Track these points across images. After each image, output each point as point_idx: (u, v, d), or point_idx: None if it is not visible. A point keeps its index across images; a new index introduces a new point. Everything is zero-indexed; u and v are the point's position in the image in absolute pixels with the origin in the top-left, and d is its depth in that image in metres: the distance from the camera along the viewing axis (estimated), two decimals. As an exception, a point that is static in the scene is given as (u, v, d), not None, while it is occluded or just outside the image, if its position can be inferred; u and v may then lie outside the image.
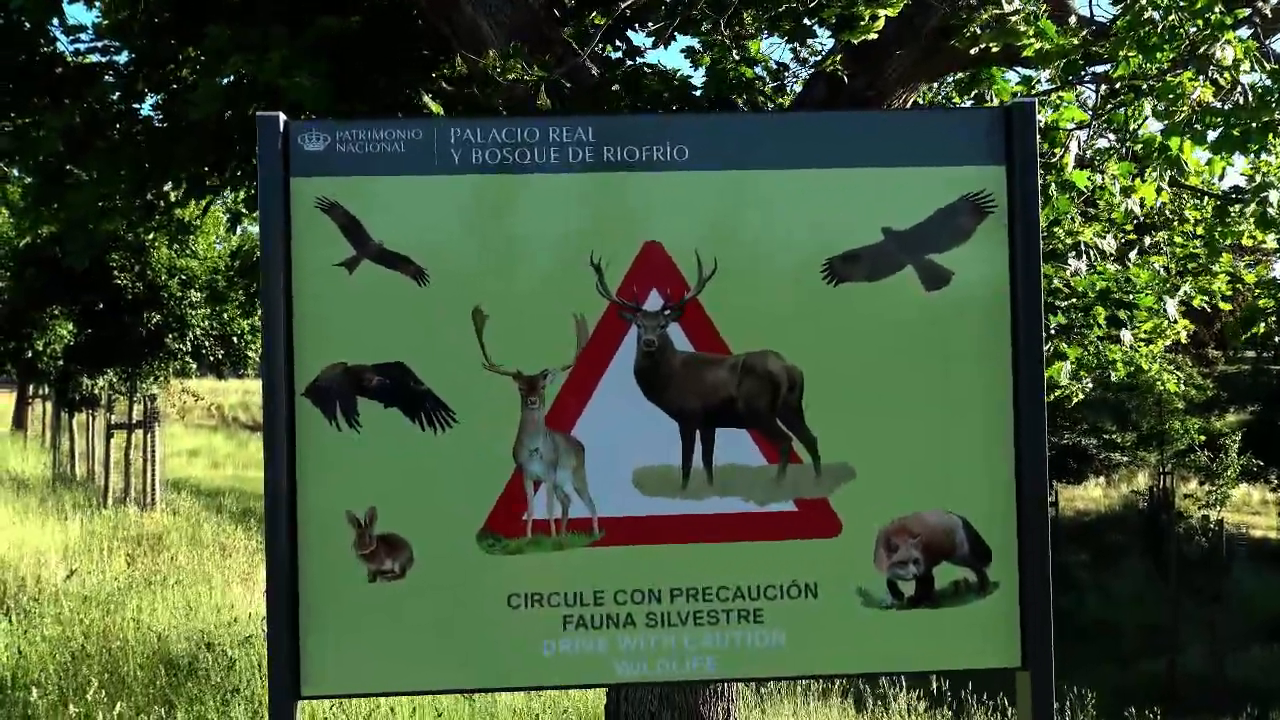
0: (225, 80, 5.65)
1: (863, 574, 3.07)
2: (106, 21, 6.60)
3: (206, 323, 21.10)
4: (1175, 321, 7.66)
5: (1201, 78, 4.61)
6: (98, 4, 6.32)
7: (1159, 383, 9.75)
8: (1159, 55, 4.35)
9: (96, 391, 22.42)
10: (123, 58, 6.74)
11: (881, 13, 4.00)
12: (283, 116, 3.00)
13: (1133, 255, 7.79)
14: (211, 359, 23.39)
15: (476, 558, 3.01)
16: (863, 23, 4.02)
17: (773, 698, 10.06)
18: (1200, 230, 8.13)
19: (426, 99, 4.76)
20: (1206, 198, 7.60)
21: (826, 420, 3.06)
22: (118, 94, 6.66)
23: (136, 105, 6.85)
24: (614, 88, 5.34)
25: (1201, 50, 4.50)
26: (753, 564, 3.05)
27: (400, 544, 3.00)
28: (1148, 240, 8.39)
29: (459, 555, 3.01)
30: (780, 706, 9.70)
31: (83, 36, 6.69)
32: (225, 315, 21.19)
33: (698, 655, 3.04)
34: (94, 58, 6.73)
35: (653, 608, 3.04)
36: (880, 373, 3.06)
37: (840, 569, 3.06)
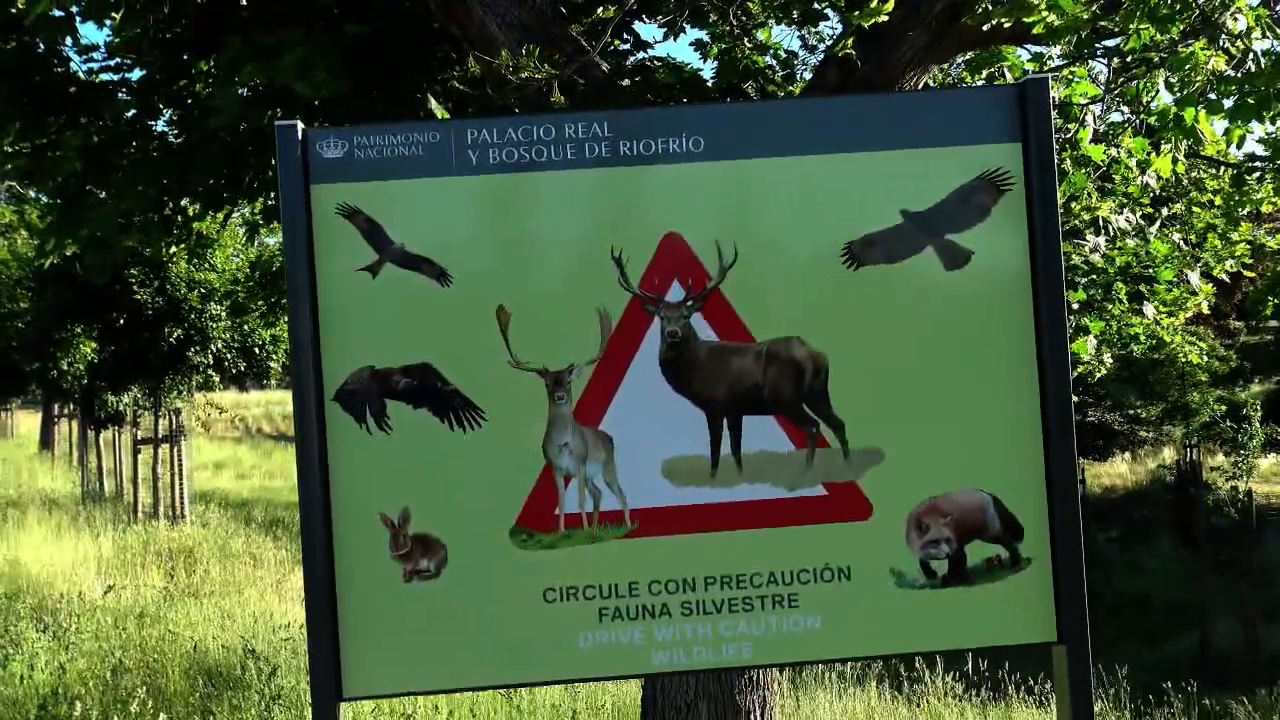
0: (241, 90, 5.70)
1: (895, 555, 3.08)
2: (118, 40, 6.65)
3: (228, 335, 21.18)
4: (1197, 292, 7.64)
5: (1214, 47, 4.60)
6: (108, 22, 6.36)
7: (1181, 354, 9.75)
8: (1170, 27, 4.34)
9: (121, 408, 22.54)
10: (136, 75, 6.79)
11: (892, -7, 4.01)
12: (300, 125, 3.03)
13: (1153, 229, 7.78)
14: (234, 371, 23.48)
15: (510, 554, 3.04)
16: (872, 4, 4.01)
17: (809, 685, 10.07)
18: (1218, 200, 8.12)
19: (432, 104, 4.78)
20: (1223, 167, 7.58)
21: (853, 404, 3.08)
22: (133, 111, 6.71)
23: (152, 122, 6.89)
24: (624, 82, 5.36)
25: (1213, 20, 4.49)
26: (785, 549, 3.07)
27: (435, 543, 3.03)
28: (1165, 212, 8.38)
29: (493, 552, 3.03)
30: (816, 694, 9.71)
31: (95, 55, 6.74)
32: (246, 326, 21.27)
33: (734, 642, 3.06)
34: (107, 76, 6.78)
35: (687, 597, 3.05)
36: (904, 354, 3.08)
37: (872, 551, 3.08)
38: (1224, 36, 4.58)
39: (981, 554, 3.08)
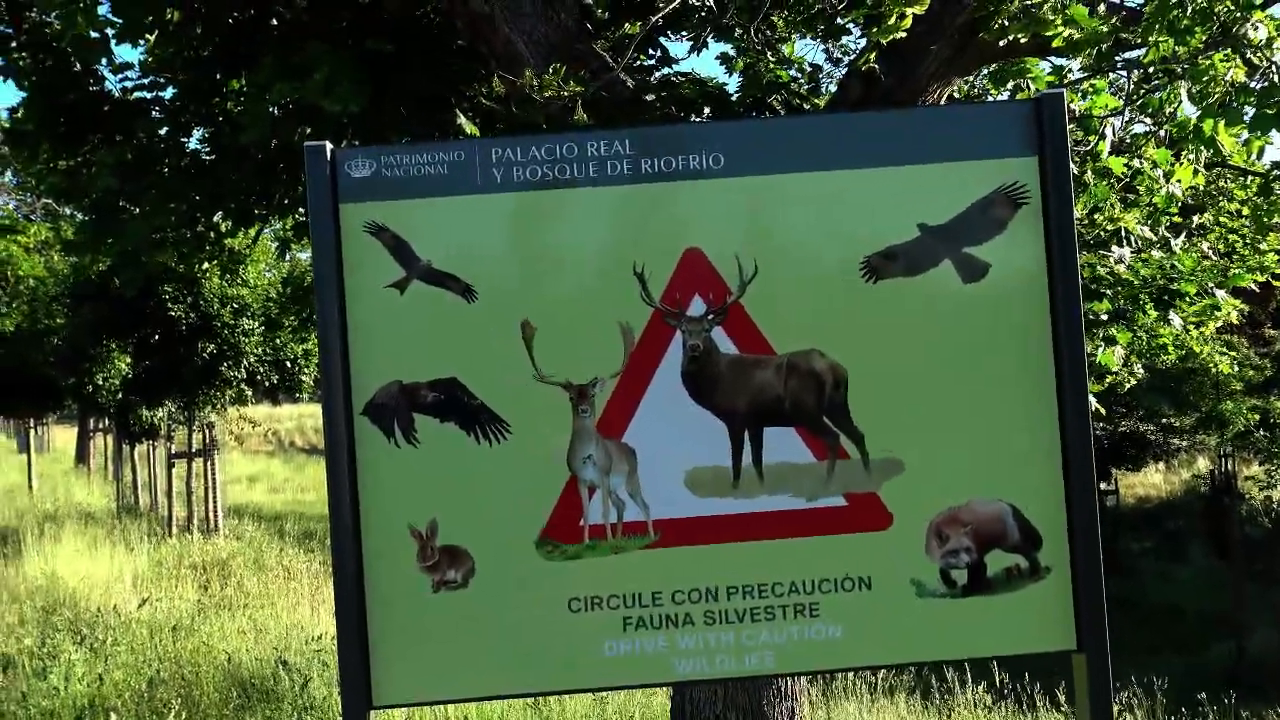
0: (271, 109, 5.80)
1: (915, 565, 3.11)
2: (151, 59, 6.76)
3: (260, 349, 21.34)
4: (1220, 307, 7.62)
5: (1236, 57, 4.62)
6: (142, 42, 6.47)
7: (1212, 365, 9.71)
8: (1190, 38, 4.37)
9: (156, 422, 22.72)
10: (169, 93, 6.90)
11: (909, 10, 4.04)
12: (329, 145, 3.09)
13: (1180, 239, 7.77)
14: (266, 384, 23.64)
15: (536, 564, 3.09)
16: (890, 21, 4.06)
17: (838, 696, 10.07)
18: (1246, 210, 8.11)
19: (461, 120, 4.85)
20: (1250, 176, 7.58)
21: (872, 415, 3.12)
22: (165, 129, 6.82)
23: (184, 139, 7.00)
24: (649, 97, 5.41)
25: (1233, 31, 4.52)
26: (806, 559, 3.11)
27: (462, 554, 3.08)
28: (1195, 220, 8.36)
29: (519, 563, 3.09)
30: (846, 704, 9.71)
31: (129, 74, 6.86)
32: (278, 341, 21.42)
33: (756, 651, 3.10)
34: (141, 94, 6.89)
35: (710, 606, 3.10)
36: (923, 366, 3.11)
37: (893, 561, 3.11)
38: (1245, 48, 4.60)
39: (1001, 563, 3.11)
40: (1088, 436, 3.08)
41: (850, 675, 10.44)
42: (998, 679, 10.27)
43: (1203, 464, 34.89)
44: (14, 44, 6.65)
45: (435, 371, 3.09)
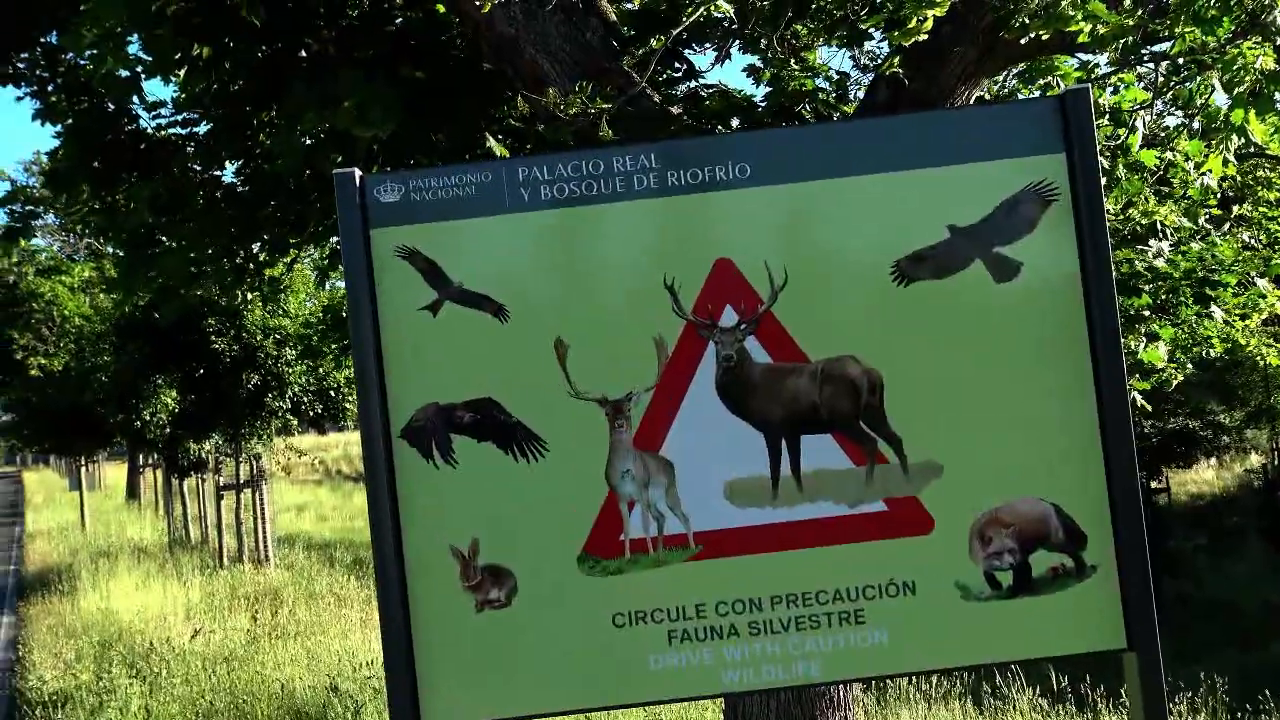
0: (303, 138, 5.86)
1: (959, 568, 3.09)
2: (184, 95, 6.84)
3: (304, 379, 21.49)
4: (1265, 296, 7.54)
5: (1265, 45, 4.58)
6: (174, 79, 6.55)
7: (1259, 358, 9.61)
8: (1216, 29, 4.33)
9: (204, 455, 22.94)
10: (202, 128, 6.98)
11: (929, 13, 4.03)
12: (358, 172, 3.12)
13: (1224, 230, 7.70)
14: (311, 414, 23.81)
15: (579, 581, 3.09)
16: (910, 25, 4.05)
17: (891, 705, 10.00)
18: (1286, 198, 8.03)
19: (491, 142, 4.88)
20: (1288, 165, 7.51)
21: (910, 419, 3.10)
22: (199, 163, 6.90)
23: (218, 172, 7.08)
24: (675, 110, 5.42)
25: (1261, 18, 4.48)
26: (849, 566, 3.09)
27: (504, 573, 3.09)
28: (1234, 211, 8.29)
29: (561, 580, 3.09)
30: (900, 711, 9.64)
31: (162, 111, 6.95)
32: (321, 370, 21.57)
33: (803, 660, 3.09)
34: (174, 130, 6.97)
35: (755, 616, 3.09)
36: (958, 368, 3.09)
37: (936, 565, 3.09)
38: (1275, 35, 4.55)
39: (1046, 563, 3.08)
40: (1128, 431, 3.05)
41: (904, 683, 10.36)
42: (1054, 683, 10.16)
43: (1255, 458, 34.49)
44: (50, 87, 6.76)
45: (471, 392, 3.11)
